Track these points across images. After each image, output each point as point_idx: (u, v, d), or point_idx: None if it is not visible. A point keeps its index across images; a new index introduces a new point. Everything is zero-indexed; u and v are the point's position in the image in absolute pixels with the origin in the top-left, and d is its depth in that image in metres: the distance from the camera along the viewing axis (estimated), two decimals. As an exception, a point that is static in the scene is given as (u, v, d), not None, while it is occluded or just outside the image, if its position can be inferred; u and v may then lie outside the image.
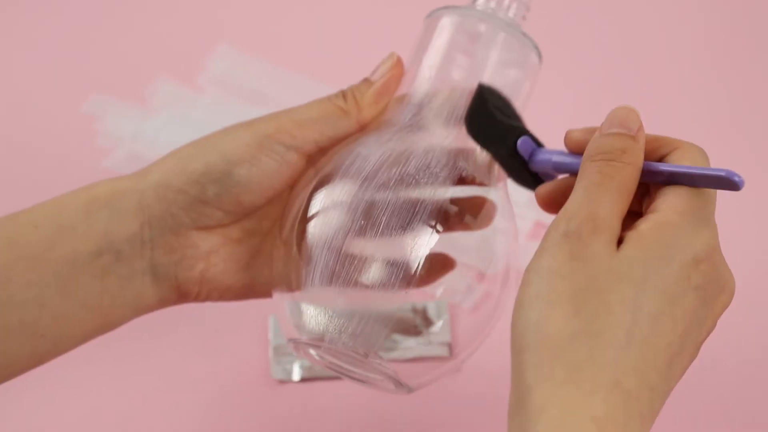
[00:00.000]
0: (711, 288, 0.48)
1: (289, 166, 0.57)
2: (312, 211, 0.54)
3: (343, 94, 0.58)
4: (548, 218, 0.83)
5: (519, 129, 0.55)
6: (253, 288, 0.59)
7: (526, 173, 0.55)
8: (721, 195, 0.84)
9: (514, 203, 0.81)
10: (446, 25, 0.57)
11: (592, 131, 0.51)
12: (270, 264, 0.57)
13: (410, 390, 0.56)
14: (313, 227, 0.54)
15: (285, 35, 0.96)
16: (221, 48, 0.94)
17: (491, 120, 0.54)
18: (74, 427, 0.73)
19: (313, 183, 0.55)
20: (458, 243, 0.55)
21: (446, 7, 0.58)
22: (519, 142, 0.55)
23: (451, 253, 0.55)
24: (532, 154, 0.55)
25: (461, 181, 0.55)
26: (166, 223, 0.56)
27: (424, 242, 0.53)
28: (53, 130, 0.90)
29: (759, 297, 0.79)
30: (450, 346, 0.72)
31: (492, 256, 0.56)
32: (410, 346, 0.54)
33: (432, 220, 0.54)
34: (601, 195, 0.48)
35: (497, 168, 0.57)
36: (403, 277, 0.53)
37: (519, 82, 0.58)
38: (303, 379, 0.74)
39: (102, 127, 0.89)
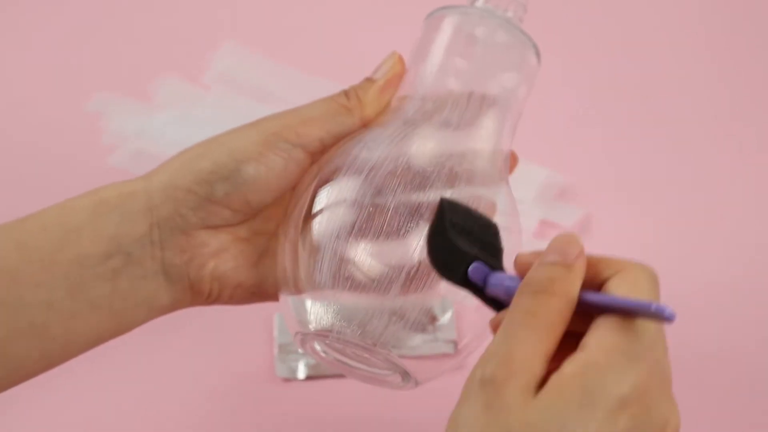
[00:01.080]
0: (644, 430, 0.44)
1: (295, 164, 0.57)
2: (318, 206, 0.54)
3: (346, 93, 0.58)
4: (554, 216, 0.84)
5: (471, 255, 0.51)
6: (261, 288, 0.59)
7: (487, 299, 0.51)
8: (723, 192, 0.85)
9: (521, 201, 0.82)
10: (446, 24, 0.58)
11: (538, 256, 0.48)
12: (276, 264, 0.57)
13: (417, 383, 0.56)
14: (319, 222, 0.54)
15: (289, 32, 0.96)
16: (226, 45, 0.94)
17: (447, 244, 0.51)
18: (80, 426, 0.73)
19: (318, 178, 0.55)
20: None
21: (446, 7, 0.58)
22: (470, 270, 0.50)
23: None
24: (486, 280, 0.50)
25: (464, 179, 0.55)
26: (175, 223, 0.56)
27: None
28: (58, 128, 0.90)
29: (762, 297, 0.79)
30: (455, 344, 0.72)
31: None
32: (416, 343, 0.54)
33: None
34: (520, 334, 0.45)
35: (502, 165, 0.57)
36: (407, 272, 0.53)
37: (517, 82, 0.58)
38: (308, 378, 0.74)
39: (107, 125, 0.89)
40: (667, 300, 0.78)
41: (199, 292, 0.58)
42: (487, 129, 0.57)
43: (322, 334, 0.54)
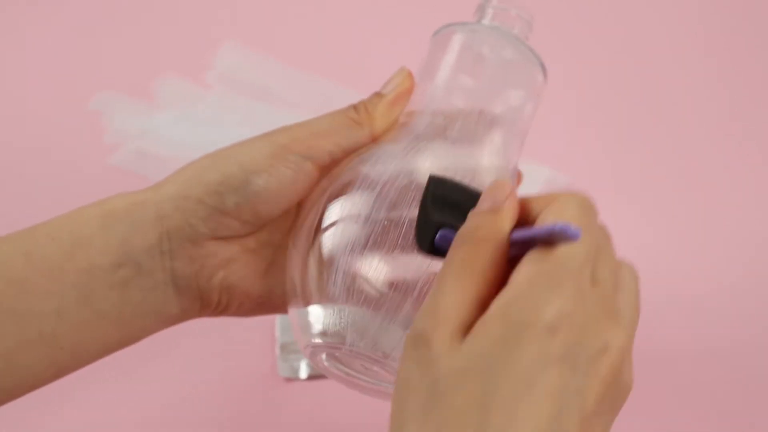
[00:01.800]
0: (580, 354, 0.43)
1: (305, 177, 0.57)
2: (330, 219, 0.54)
3: (355, 107, 0.58)
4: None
5: (437, 223, 0.50)
6: (269, 299, 0.59)
7: None
8: (723, 192, 0.85)
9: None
10: (454, 42, 0.58)
11: None
12: (284, 276, 0.57)
13: None
14: (332, 235, 0.54)
15: (290, 32, 0.96)
16: (227, 45, 0.94)
17: (421, 218, 0.50)
18: (82, 427, 0.73)
19: (330, 192, 0.55)
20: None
21: (453, 24, 0.58)
22: (437, 238, 0.49)
23: None
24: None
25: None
26: (185, 234, 0.56)
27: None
28: (59, 127, 0.90)
29: (762, 297, 0.79)
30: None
31: None
32: None
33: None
34: (446, 285, 0.44)
35: (510, 181, 0.57)
36: (420, 286, 0.53)
37: (525, 99, 0.58)
38: (310, 377, 0.74)
39: (108, 124, 0.90)
40: (666, 300, 0.79)
41: (207, 303, 0.58)
42: (497, 145, 0.57)
43: (335, 347, 0.54)
